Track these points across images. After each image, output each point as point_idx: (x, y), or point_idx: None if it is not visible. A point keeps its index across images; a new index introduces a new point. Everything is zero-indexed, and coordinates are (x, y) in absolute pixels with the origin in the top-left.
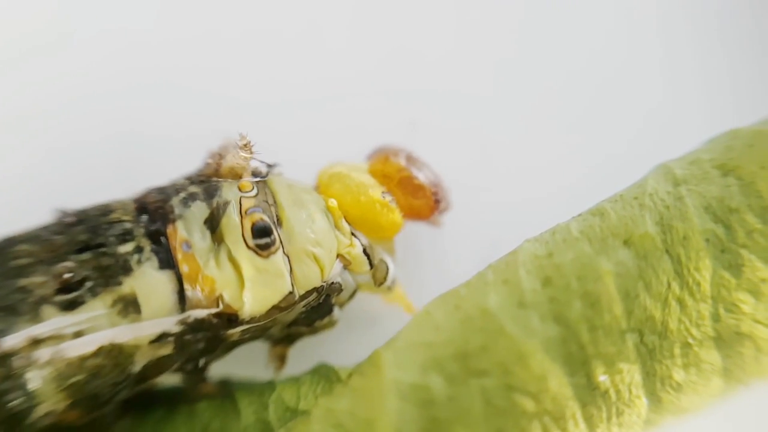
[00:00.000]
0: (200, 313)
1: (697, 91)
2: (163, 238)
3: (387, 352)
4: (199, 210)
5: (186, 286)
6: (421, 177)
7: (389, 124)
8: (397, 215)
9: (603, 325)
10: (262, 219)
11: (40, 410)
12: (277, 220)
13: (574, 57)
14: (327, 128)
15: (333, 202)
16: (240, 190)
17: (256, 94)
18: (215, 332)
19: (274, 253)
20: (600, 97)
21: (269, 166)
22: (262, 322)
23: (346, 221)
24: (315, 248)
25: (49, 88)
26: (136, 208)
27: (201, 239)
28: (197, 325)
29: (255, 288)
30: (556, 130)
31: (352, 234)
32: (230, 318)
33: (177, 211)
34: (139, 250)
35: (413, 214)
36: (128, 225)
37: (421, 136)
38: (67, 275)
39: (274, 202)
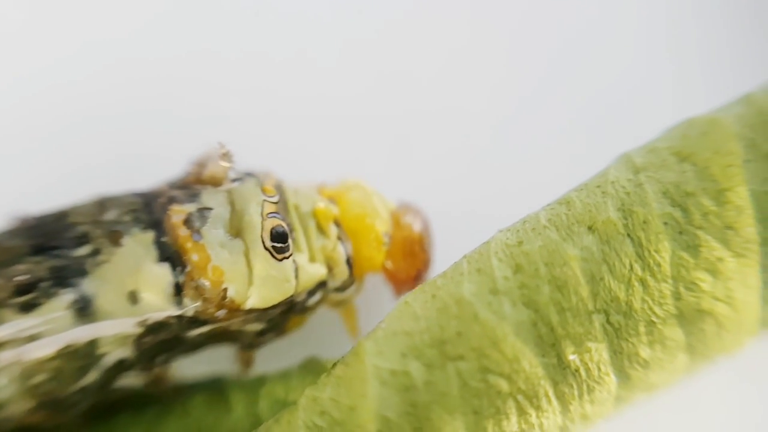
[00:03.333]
0: (159, 315)
1: (670, 82)
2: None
3: (368, 342)
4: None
5: (194, 274)
6: (422, 251)
7: (383, 137)
8: (380, 257)
9: (571, 307)
10: (281, 225)
11: (2, 413)
12: (290, 229)
13: (559, 57)
14: (317, 145)
15: (321, 205)
16: (264, 193)
17: (248, 111)
18: (175, 334)
19: (287, 257)
20: (576, 99)
21: (249, 174)
22: (225, 323)
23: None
24: (313, 260)
25: (48, 99)
26: (143, 203)
27: (210, 230)
28: (156, 327)
29: (263, 287)
30: (549, 134)
31: (339, 239)
32: (191, 320)
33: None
34: (95, 252)
35: (390, 270)
36: (85, 228)
37: (408, 149)
38: (21, 277)
39: (287, 212)
